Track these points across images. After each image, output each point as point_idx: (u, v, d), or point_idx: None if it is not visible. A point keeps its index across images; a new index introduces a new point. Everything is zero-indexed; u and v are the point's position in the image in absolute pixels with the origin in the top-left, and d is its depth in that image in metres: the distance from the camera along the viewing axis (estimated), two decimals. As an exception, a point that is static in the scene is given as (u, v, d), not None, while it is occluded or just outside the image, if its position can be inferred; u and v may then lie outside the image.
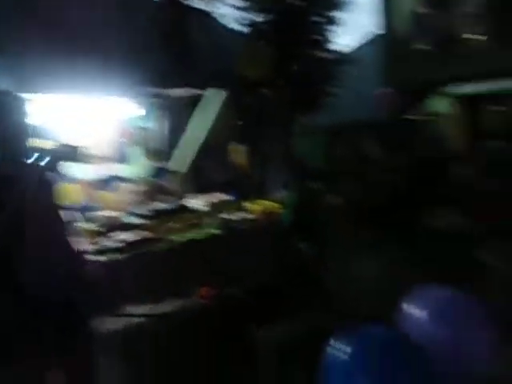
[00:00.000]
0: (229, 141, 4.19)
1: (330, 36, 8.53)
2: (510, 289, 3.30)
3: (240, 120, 4.36)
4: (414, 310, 1.53)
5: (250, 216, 3.67)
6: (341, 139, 8.08)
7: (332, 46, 8.64)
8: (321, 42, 8.49)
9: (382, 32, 6.50)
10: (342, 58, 8.56)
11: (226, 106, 3.92)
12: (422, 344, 1.44)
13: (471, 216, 4.20)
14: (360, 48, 10.32)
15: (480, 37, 5.75)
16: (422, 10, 5.74)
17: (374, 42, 7.56)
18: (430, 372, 1.00)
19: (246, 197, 3.93)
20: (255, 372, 2.57)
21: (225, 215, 3.56)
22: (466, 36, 5.88)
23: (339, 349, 1.01)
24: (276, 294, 3.02)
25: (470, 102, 8.09)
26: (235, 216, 3.60)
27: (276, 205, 3.91)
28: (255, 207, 3.80)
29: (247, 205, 3.82)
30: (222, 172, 4.12)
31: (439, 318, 1.49)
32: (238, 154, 4.27)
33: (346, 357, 0.98)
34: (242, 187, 4.04)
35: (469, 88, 7.41)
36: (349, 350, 0.99)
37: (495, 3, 5.62)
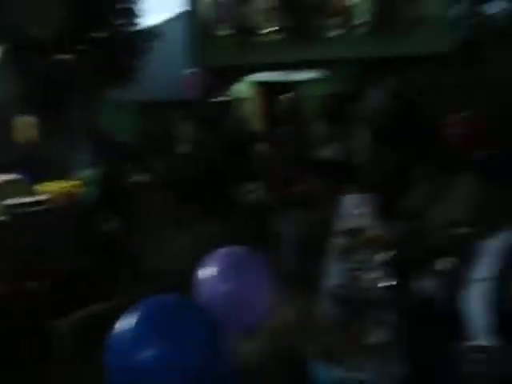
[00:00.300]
0: (13, 111, 3.54)
1: (137, 7, 8.15)
2: (300, 253, 3.91)
3: (28, 87, 3.73)
4: (206, 272, 1.63)
5: (44, 198, 3.24)
6: (152, 115, 7.92)
7: (139, 19, 8.29)
8: (127, 13, 8.04)
9: (188, 11, 6.56)
10: (150, 32, 8.32)
11: (6, 67, 3.28)
12: (212, 304, 1.54)
13: (270, 190, 4.71)
14: (169, 24, 10.21)
15: (276, 30, 6.42)
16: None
17: (183, 19, 7.58)
18: (218, 333, 1.06)
19: (40, 177, 3.44)
20: (51, 363, 2.36)
21: (11, 200, 3.04)
22: (264, 28, 6.48)
23: (122, 320, 1.00)
24: (79, 277, 2.80)
25: (268, 89, 9.07)
26: (26, 199, 3.12)
27: (77, 183, 3.56)
28: (51, 188, 3.38)
29: (41, 186, 3.36)
30: (6, 149, 3.47)
31: (227, 276, 1.61)
32: (27, 127, 3.66)
33: (124, 326, 0.97)
34: (34, 166, 3.51)
35: (267, 76, 8.29)
36: (128, 318, 0.98)
37: (289, 1, 6.35)
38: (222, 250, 1.78)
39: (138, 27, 8.29)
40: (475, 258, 1.47)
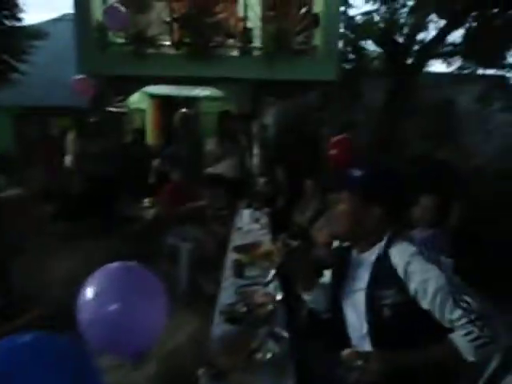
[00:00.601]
0: None
1: (19, 1, 7.34)
2: (195, 270, 3.85)
3: None
4: (89, 292, 1.48)
5: None
6: (30, 122, 7.15)
7: (21, 14, 7.46)
8: (6, 5, 7.19)
9: (77, 13, 6.12)
10: (33, 31, 7.54)
11: None
12: (95, 328, 1.40)
13: (164, 206, 4.55)
14: (56, 25, 9.44)
15: (173, 44, 6.34)
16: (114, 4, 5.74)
17: (70, 21, 7.05)
18: (85, 365, 0.93)
19: None
20: None
21: None
22: (161, 41, 6.35)
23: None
24: None
25: (164, 103, 8.90)
26: None
27: None
28: None
29: None
30: None
31: (114, 296, 1.48)
32: None
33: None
34: None
35: (164, 89, 8.13)
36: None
37: (187, 17, 6.32)
38: (109, 267, 1.63)
39: (19, 23, 7.46)
40: (353, 270, 1.59)
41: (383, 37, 8.26)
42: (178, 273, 3.89)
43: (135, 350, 1.70)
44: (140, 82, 6.79)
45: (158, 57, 6.10)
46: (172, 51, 6.30)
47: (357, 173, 1.53)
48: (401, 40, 8.37)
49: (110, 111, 6.60)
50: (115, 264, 1.66)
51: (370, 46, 8.98)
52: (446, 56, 8.64)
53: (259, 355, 1.58)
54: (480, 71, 8.75)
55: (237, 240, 3.24)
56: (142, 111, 8.93)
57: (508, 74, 9.01)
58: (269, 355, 1.57)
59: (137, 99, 8.29)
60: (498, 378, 1.40)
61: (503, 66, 8.73)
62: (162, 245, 4.06)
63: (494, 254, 3.51)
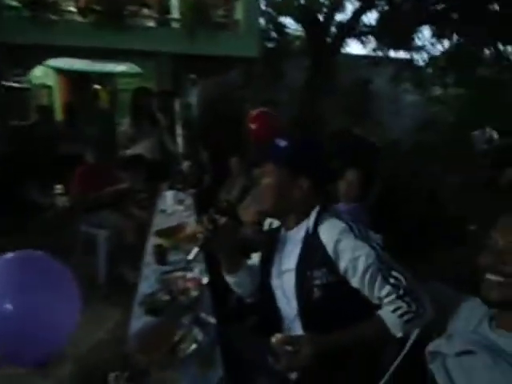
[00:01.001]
0: None
1: None
2: (113, 253, 3.57)
3: None
4: None
5: None
6: None
7: None
8: None
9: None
10: None
11: None
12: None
13: (77, 192, 4.16)
14: None
15: (80, 11, 5.68)
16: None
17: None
18: None
19: None
20: None
21: None
22: (66, 7, 5.67)
23: None
24: None
25: (73, 78, 8.11)
26: None
27: None
28: None
29: None
30: None
31: (14, 291, 1.24)
32: None
33: None
34: None
35: (75, 63, 7.37)
36: None
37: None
38: (3, 258, 1.37)
39: None
40: (281, 249, 1.50)
41: (303, 14, 8.31)
42: (96, 263, 3.59)
43: (38, 356, 1.48)
44: (43, 54, 6.03)
45: (62, 24, 5.43)
46: (80, 19, 5.65)
47: (282, 143, 1.41)
48: (321, 18, 8.50)
49: (6, 86, 5.81)
50: (11, 254, 1.41)
51: (291, 25, 9.03)
52: (362, 36, 8.98)
53: (183, 346, 1.45)
54: (392, 53, 9.27)
55: (160, 224, 3.03)
56: (48, 87, 8.06)
57: (415, 56, 9.66)
58: (193, 346, 1.44)
59: (41, 73, 7.44)
60: (418, 348, 1.42)
61: (411, 49, 9.33)
62: (77, 234, 3.70)
63: (406, 229, 3.70)
